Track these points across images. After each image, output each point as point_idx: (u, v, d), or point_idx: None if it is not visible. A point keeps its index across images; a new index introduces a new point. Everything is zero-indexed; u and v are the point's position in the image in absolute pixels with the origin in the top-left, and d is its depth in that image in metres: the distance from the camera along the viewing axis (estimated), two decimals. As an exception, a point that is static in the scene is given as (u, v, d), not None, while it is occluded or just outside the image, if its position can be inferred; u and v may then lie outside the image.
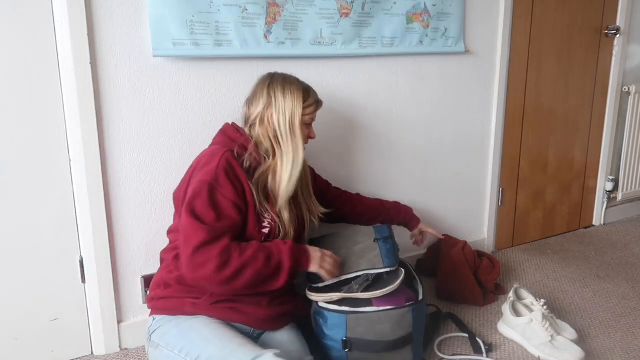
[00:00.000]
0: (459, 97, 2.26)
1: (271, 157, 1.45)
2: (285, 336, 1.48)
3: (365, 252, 1.64)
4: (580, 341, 1.76)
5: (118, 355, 1.71)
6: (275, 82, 1.47)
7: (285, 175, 1.43)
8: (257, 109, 1.46)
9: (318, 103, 1.51)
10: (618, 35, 2.66)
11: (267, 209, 1.43)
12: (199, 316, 1.38)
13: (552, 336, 1.70)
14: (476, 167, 2.40)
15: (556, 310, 1.97)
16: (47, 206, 1.58)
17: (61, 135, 1.56)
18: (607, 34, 2.65)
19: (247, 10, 1.70)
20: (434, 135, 2.24)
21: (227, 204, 1.34)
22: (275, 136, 1.44)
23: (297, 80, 1.51)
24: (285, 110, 1.43)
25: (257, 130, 1.45)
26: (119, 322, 1.71)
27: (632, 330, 1.86)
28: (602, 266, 2.39)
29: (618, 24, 2.66)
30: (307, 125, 1.50)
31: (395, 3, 1.97)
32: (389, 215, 1.90)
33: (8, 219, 1.53)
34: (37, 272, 1.59)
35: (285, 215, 1.45)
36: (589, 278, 2.27)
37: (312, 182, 1.65)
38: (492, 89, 2.35)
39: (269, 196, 1.45)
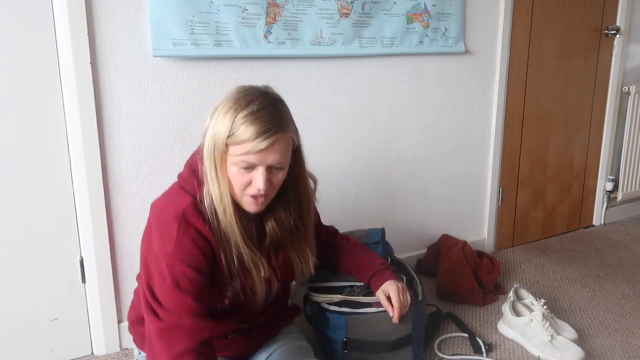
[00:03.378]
0: (459, 97, 2.26)
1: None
2: (280, 336, 1.40)
3: None
4: (580, 341, 1.76)
5: (118, 355, 1.71)
6: (228, 97, 1.11)
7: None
8: (203, 130, 1.14)
9: (255, 138, 1.05)
10: (618, 36, 2.66)
11: (235, 275, 1.18)
12: None
13: (552, 336, 1.70)
14: (476, 167, 2.40)
15: (556, 310, 1.97)
16: (47, 206, 1.58)
17: (61, 135, 1.56)
18: (607, 34, 2.65)
19: (247, 10, 1.70)
20: (434, 135, 2.24)
21: (191, 276, 1.11)
22: (204, 169, 1.13)
23: (255, 97, 1.09)
24: (211, 137, 1.09)
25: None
26: (119, 322, 1.71)
27: (632, 330, 1.86)
28: (602, 266, 2.39)
29: (618, 24, 2.66)
30: (243, 169, 1.09)
31: (395, 3, 1.97)
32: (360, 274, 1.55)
33: (8, 219, 1.53)
34: (37, 272, 1.59)
35: (255, 274, 1.18)
36: (589, 278, 2.27)
37: (312, 226, 1.32)
38: (492, 89, 2.35)
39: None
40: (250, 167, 1.08)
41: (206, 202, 1.12)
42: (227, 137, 1.06)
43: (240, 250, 1.15)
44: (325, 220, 1.64)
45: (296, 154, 1.20)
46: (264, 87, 1.15)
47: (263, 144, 1.05)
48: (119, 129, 1.62)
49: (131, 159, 1.65)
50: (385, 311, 1.51)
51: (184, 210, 1.11)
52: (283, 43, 1.78)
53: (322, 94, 1.94)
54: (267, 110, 1.07)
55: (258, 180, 1.09)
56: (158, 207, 1.17)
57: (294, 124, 1.16)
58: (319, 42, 1.85)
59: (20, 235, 1.56)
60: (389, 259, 1.73)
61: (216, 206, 1.11)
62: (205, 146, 1.11)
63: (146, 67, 1.62)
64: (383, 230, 1.79)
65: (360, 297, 1.52)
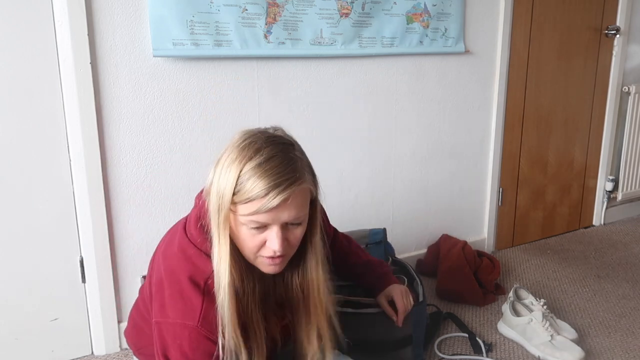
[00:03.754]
0: (459, 97, 2.26)
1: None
2: None
3: None
4: (580, 341, 1.76)
5: (118, 355, 1.71)
6: (231, 146, 0.94)
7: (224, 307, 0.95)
8: (206, 185, 0.98)
9: (266, 194, 0.88)
10: (618, 36, 2.66)
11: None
12: None
13: (552, 336, 1.70)
14: (476, 167, 2.40)
15: (556, 310, 1.97)
16: (47, 206, 1.58)
17: (61, 135, 1.56)
18: (607, 34, 2.65)
19: (247, 10, 1.70)
20: (434, 135, 2.24)
21: (213, 351, 0.96)
22: (212, 233, 0.96)
23: (263, 145, 0.91)
24: (216, 195, 0.92)
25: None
26: (119, 322, 1.71)
27: (632, 330, 1.86)
28: (602, 266, 2.39)
29: (618, 24, 2.66)
30: (253, 229, 0.92)
31: (395, 3, 1.97)
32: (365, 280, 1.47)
33: (8, 218, 1.53)
34: (37, 272, 1.59)
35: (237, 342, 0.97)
36: (589, 278, 2.27)
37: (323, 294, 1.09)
38: (492, 89, 2.35)
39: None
40: (262, 227, 0.92)
41: (217, 271, 0.96)
42: (233, 195, 0.89)
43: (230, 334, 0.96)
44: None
45: (311, 206, 0.99)
46: (272, 130, 0.98)
47: (275, 201, 0.88)
48: (119, 129, 1.62)
49: (131, 159, 1.65)
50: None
51: (207, 280, 0.96)
52: (283, 43, 1.78)
53: (322, 94, 1.94)
54: (277, 160, 0.90)
55: (273, 241, 0.92)
56: (170, 268, 1.01)
57: (311, 170, 0.97)
58: (319, 42, 1.85)
59: (20, 235, 1.56)
60: (390, 259, 1.73)
61: (214, 276, 0.95)
62: (212, 205, 0.93)
63: (146, 67, 1.62)
64: (385, 230, 1.79)
65: (361, 297, 1.52)
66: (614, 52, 2.69)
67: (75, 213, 1.62)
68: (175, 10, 1.59)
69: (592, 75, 2.67)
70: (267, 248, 0.94)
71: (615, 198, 2.88)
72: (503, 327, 1.83)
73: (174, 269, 1.00)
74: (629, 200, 2.96)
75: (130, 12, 1.57)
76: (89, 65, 1.53)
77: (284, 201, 0.89)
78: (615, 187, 2.87)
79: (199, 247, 1.00)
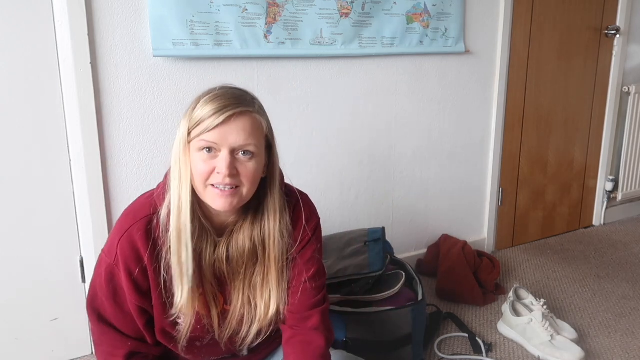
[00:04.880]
0: (459, 97, 2.26)
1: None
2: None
3: (354, 256, 1.66)
4: (580, 341, 1.76)
5: (118, 355, 1.71)
6: (201, 93, 1.01)
7: (172, 226, 0.97)
8: None
9: (214, 114, 0.94)
10: (618, 36, 2.66)
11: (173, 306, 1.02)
12: None
13: (552, 336, 1.70)
14: (476, 167, 2.40)
15: (556, 310, 1.97)
16: (47, 206, 1.58)
17: (61, 135, 1.56)
18: (607, 34, 2.65)
19: (247, 10, 1.70)
20: (434, 135, 2.24)
21: (127, 296, 1.02)
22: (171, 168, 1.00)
23: (218, 88, 1.00)
24: (178, 132, 0.99)
25: None
26: (119, 322, 1.71)
27: (632, 330, 1.86)
28: (602, 266, 2.39)
29: (618, 24, 2.66)
30: (207, 154, 0.95)
31: (395, 3, 1.97)
32: None
33: (8, 218, 1.53)
34: (37, 272, 1.59)
35: (190, 306, 1.00)
36: (589, 278, 2.27)
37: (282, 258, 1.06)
38: (492, 89, 2.35)
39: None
40: (212, 150, 0.95)
41: (163, 214, 0.99)
42: (188, 123, 0.96)
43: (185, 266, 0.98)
44: (326, 220, 1.64)
45: (270, 153, 1.03)
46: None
47: (220, 119, 0.93)
48: (119, 129, 1.62)
49: (131, 159, 1.65)
50: (385, 311, 1.51)
51: (132, 227, 1.00)
52: (283, 43, 1.78)
53: (322, 94, 1.94)
54: (229, 91, 0.98)
55: (220, 162, 0.94)
56: (133, 203, 1.07)
57: (265, 113, 1.02)
58: (319, 42, 1.85)
59: (20, 235, 1.56)
60: (389, 258, 1.73)
61: (171, 207, 0.97)
62: (174, 147, 0.99)
63: (146, 67, 1.62)
64: (383, 229, 1.80)
65: (360, 297, 1.52)
66: (614, 52, 2.69)
67: (75, 213, 1.62)
68: (175, 10, 1.59)
69: (592, 75, 2.67)
70: (215, 174, 0.95)
71: (615, 198, 2.88)
72: (503, 327, 1.83)
73: (124, 212, 1.05)
74: (629, 200, 2.96)
75: (130, 12, 1.57)
76: (89, 65, 1.53)
77: (228, 119, 0.94)
78: (615, 187, 2.87)
79: (154, 198, 1.03)
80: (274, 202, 1.04)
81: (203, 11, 1.63)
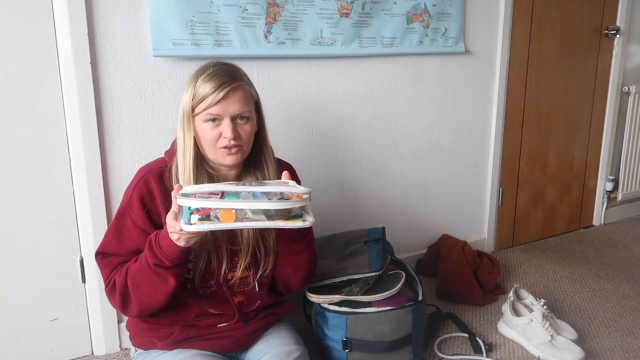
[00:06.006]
0: (459, 97, 2.26)
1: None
2: (271, 338, 1.36)
3: (354, 255, 1.66)
4: (580, 341, 1.76)
5: (118, 355, 1.71)
6: (195, 70, 1.23)
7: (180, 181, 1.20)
8: None
9: (214, 91, 1.16)
10: (618, 36, 2.66)
11: None
12: (174, 350, 1.28)
13: (552, 336, 1.70)
14: (476, 167, 2.40)
15: (556, 310, 1.97)
16: (47, 206, 1.58)
17: (61, 135, 1.56)
18: (607, 34, 2.65)
19: (247, 10, 1.70)
20: (434, 135, 2.24)
21: (133, 232, 1.21)
22: (177, 135, 1.23)
23: (213, 65, 1.21)
24: (181, 105, 1.22)
25: None
26: (119, 322, 1.71)
27: (632, 330, 1.86)
28: (602, 266, 2.39)
29: (618, 24, 2.66)
30: (212, 123, 1.18)
31: (395, 3, 1.97)
32: None
33: (8, 218, 1.53)
34: (37, 272, 1.59)
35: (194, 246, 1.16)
36: (589, 278, 2.27)
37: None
38: (492, 89, 2.35)
39: None
40: (216, 120, 1.18)
41: (173, 171, 1.21)
42: (192, 100, 1.18)
43: None
44: (326, 220, 1.64)
45: (258, 112, 1.28)
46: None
47: (221, 94, 1.16)
48: (119, 129, 1.62)
49: (131, 159, 1.65)
50: (385, 311, 1.51)
51: (145, 175, 1.23)
52: (283, 43, 1.78)
53: (322, 94, 1.94)
54: (223, 68, 1.20)
55: (225, 129, 1.18)
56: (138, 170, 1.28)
57: (251, 82, 1.25)
58: (319, 42, 1.85)
59: (21, 235, 1.56)
60: (389, 258, 1.73)
61: (178, 160, 1.20)
62: (178, 118, 1.22)
63: (146, 67, 1.62)
64: (383, 229, 1.79)
65: (360, 297, 1.52)
66: (614, 52, 2.69)
67: (75, 213, 1.62)
68: (175, 10, 1.59)
69: (592, 75, 2.67)
70: (222, 139, 1.18)
71: (615, 198, 2.88)
72: (503, 327, 1.83)
73: (151, 163, 1.29)
74: (629, 200, 2.96)
75: (130, 12, 1.57)
76: (89, 65, 1.53)
77: (227, 94, 1.16)
78: (615, 187, 2.87)
79: (164, 158, 1.28)
80: (269, 153, 1.29)
81: (203, 11, 1.63)
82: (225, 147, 1.19)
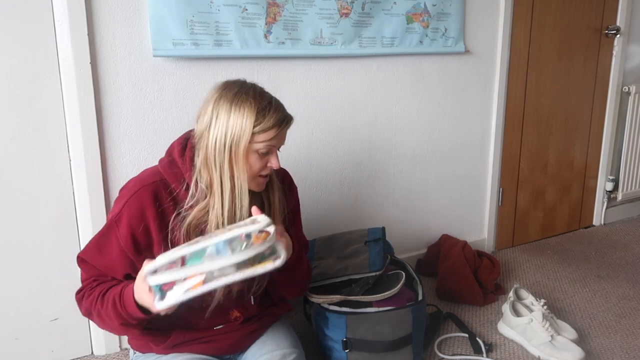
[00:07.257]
0: (458, 97, 2.26)
1: (209, 195, 1.16)
2: (266, 340, 1.36)
3: (354, 255, 1.66)
4: (580, 341, 1.76)
5: (118, 355, 1.71)
6: (226, 95, 1.15)
7: (214, 221, 1.14)
8: (201, 128, 1.16)
9: (280, 124, 1.15)
10: (618, 36, 2.66)
11: None
12: (169, 354, 1.28)
13: (552, 336, 1.70)
14: (476, 167, 2.40)
15: (556, 310, 1.97)
16: (47, 206, 1.58)
17: (61, 135, 1.56)
18: (607, 34, 2.65)
19: (247, 10, 1.70)
20: (434, 135, 2.24)
21: (115, 250, 1.16)
22: (213, 166, 1.14)
23: (259, 93, 1.17)
24: (226, 133, 1.12)
25: (201, 157, 1.16)
26: (119, 322, 1.71)
27: (632, 330, 1.86)
28: (602, 266, 2.39)
29: (618, 24, 2.66)
30: (262, 154, 1.16)
31: (395, 3, 1.97)
32: None
33: (8, 218, 1.53)
34: (37, 272, 1.59)
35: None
36: (589, 278, 2.27)
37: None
38: (492, 89, 2.35)
39: None
40: (269, 151, 1.17)
41: (179, 191, 1.16)
42: (254, 128, 1.12)
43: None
44: (326, 220, 1.64)
45: None
46: (243, 79, 1.24)
47: (286, 128, 1.18)
48: (119, 129, 1.62)
49: (131, 158, 1.65)
50: (385, 311, 1.51)
51: (140, 189, 1.16)
52: (283, 43, 1.78)
53: (322, 94, 1.94)
54: (275, 100, 1.18)
55: (274, 160, 1.18)
56: (137, 176, 1.23)
57: None
58: (319, 42, 1.85)
59: (21, 235, 1.56)
60: (389, 258, 1.73)
61: (215, 199, 1.14)
62: (216, 146, 1.12)
63: (146, 67, 1.62)
64: (383, 229, 1.79)
65: (360, 297, 1.52)
66: (614, 52, 2.69)
67: (75, 213, 1.62)
68: (175, 10, 1.59)
69: (592, 75, 2.67)
70: (267, 168, 1.19)
71: (615, 198, 2.88)
72: (503, 327, 1.83)
73: (146, 172, 1.23)
74: (629, 200, 2.96)
75: (130, 12, 1.57)
76: (89, 65, 1.53)
77: (288, 128, 1.19)
78: (615, 187, 2.87)
79: (159, 172, 1.20)
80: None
81: (203, 11, 1.63)
82: (264, 176, 1.20)
